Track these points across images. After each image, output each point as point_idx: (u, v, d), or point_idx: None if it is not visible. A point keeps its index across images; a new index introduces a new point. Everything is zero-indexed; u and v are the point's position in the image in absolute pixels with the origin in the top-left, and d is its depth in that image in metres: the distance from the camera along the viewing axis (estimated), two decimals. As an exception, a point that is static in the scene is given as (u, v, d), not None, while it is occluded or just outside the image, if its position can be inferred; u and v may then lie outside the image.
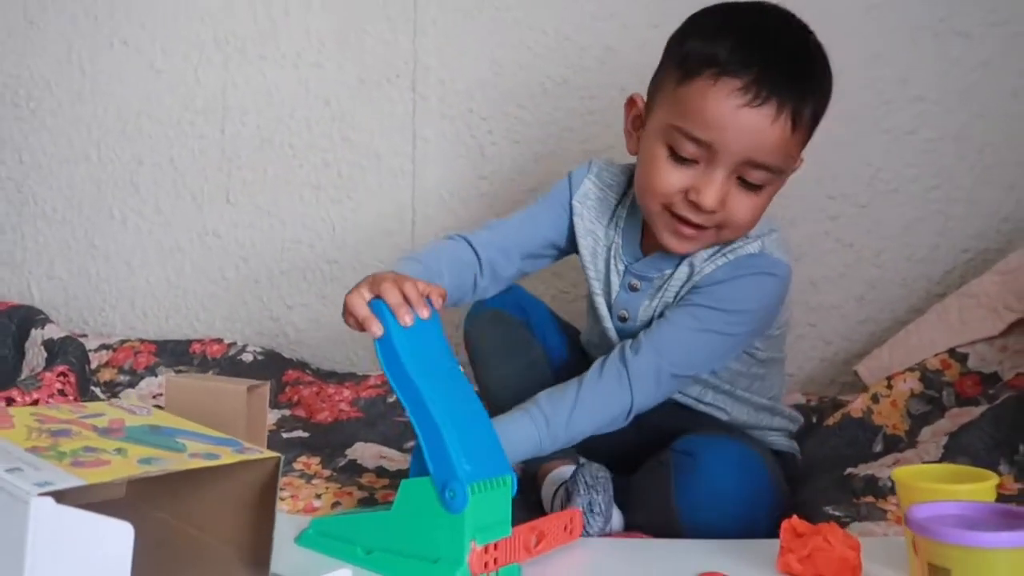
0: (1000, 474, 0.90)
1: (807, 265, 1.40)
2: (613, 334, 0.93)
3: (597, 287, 0.94)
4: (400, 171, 1.51)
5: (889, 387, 1.12)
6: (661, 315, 0.89)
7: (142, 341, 1.47)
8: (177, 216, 1.60)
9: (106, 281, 1.62)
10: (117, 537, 0.55)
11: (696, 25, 0.86)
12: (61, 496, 0.54)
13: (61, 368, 1.09)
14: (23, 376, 1.22)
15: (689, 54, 0.82)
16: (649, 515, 0.84)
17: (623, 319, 0.93)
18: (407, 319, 0.71)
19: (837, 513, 0.85)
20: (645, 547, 0.79)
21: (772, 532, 0.84)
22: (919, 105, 1.37)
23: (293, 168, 1.56)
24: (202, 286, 1.59)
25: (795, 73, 0.80)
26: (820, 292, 1.40)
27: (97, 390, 1.30)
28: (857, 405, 1.11)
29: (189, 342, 1.46)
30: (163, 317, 1.60)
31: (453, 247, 0.93)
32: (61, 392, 1.05)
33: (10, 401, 0.99)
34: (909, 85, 1.36)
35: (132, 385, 1.36)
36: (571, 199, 0.95)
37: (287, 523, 0.66)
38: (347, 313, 0.74)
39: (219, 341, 1.46)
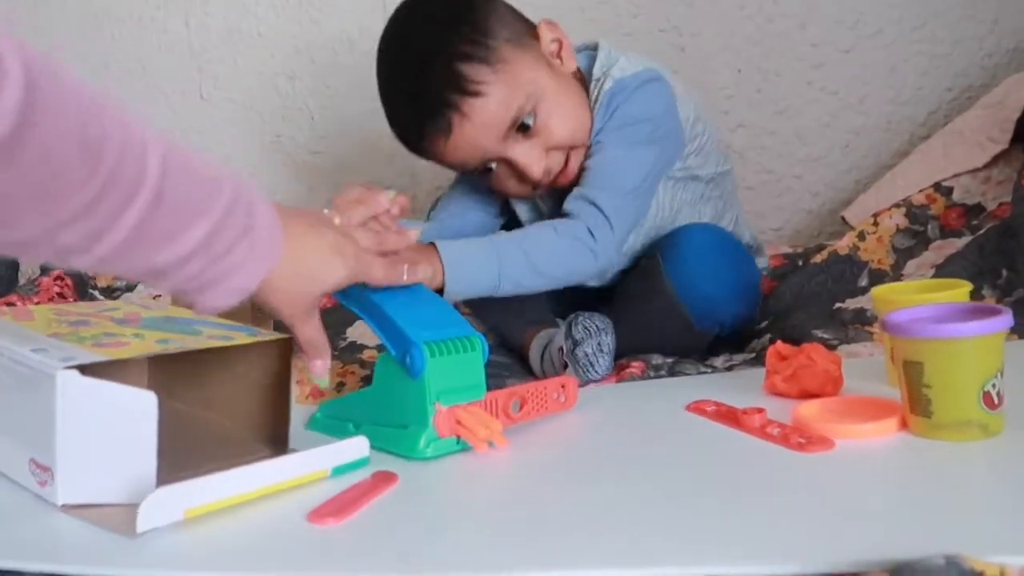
0: (983, 298, 0.93)
1: (791, 117, 1.40)
2: None
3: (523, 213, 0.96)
4: (375, 54, 1.47)
5: (875, 224, 1.13)
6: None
7: (134, 246, 1.47)
8: (153, 119, 1.57)
9: (89, 190, 1.61)
10: (141, 405, 0.57)
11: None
12: (86, 373, 0.56)
13: (57, 272, 1.10)
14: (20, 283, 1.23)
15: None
16: (643, 304, 0.86)
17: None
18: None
19: (826, 336, 0.88)
20: (633, 388, 0.81)
21: (756, 311, 0.92)
22: (901, -60, 1.33)
23: (265, 58, 1.52)
24: (187, 187, 1.58)
25: (421, 85, 0.82)
26: (805, 144, 1.40)
27: (96, 293, 1.32)
28: (844, 243, 1.13)
29: (181, 243, 1.46)
30: (152, 221, 1.60)
31: None
32: (60, 295, 1.07)
33: (11, 305, 1.00)
34: (890, -81, 1.32)
35: (131, 288, 1.37)
36: None
37: (297, 412, 0.68)
38: None
39: (211, 240, 1.46)
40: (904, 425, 0.61)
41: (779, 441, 0.60)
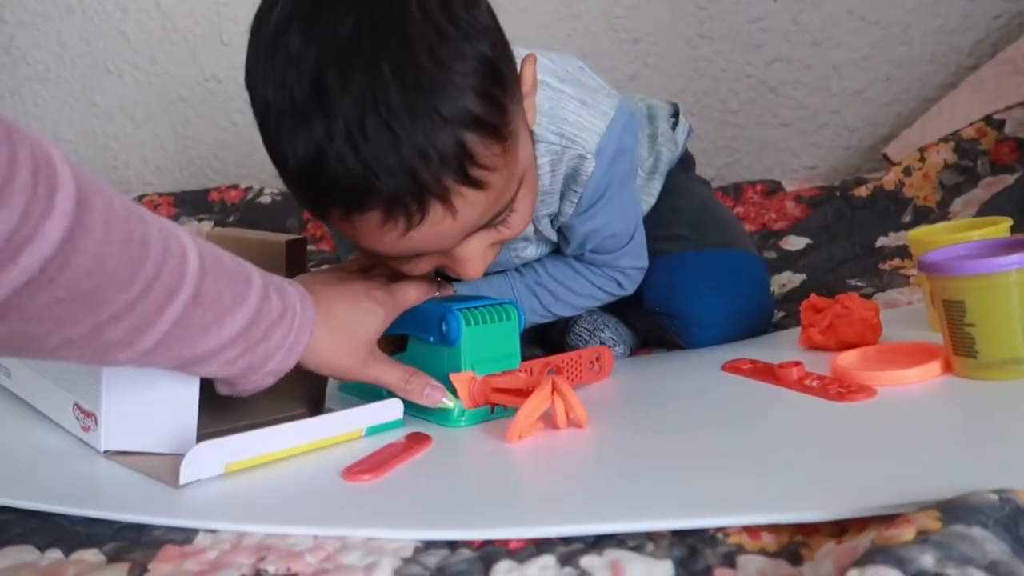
0: (1030, 230, 0.89)
1: (828, 49, 1.34)
2: None
3: None
4: None
5: (922, 160, 1.09)
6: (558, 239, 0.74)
7: (160, 194, 1.47)
8: (173, 64, 1.55)
9: (113, 138, 1.60)
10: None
11: (254, 86, 0.52)
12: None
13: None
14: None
15: (274, 155, 0.53)
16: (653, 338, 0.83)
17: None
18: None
19: (860, 283, 0.85)
20: (671, 356, 0.79)
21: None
22: None
23: (283, -1, 1.48)
24: (211, 134, 1.56)
25: (422, 153, 0.48)
26: (843, 77, 1.34)
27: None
28: (889, 178, 1.09)
29: (207, 191, 1.46)
30: (176, 169, 1.59)
31: None
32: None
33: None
34: None
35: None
36: None
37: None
38: None
39: (235, 187, 1.46)
40: (948, 368, 0.58)
41: (818, 393, 0.58)
